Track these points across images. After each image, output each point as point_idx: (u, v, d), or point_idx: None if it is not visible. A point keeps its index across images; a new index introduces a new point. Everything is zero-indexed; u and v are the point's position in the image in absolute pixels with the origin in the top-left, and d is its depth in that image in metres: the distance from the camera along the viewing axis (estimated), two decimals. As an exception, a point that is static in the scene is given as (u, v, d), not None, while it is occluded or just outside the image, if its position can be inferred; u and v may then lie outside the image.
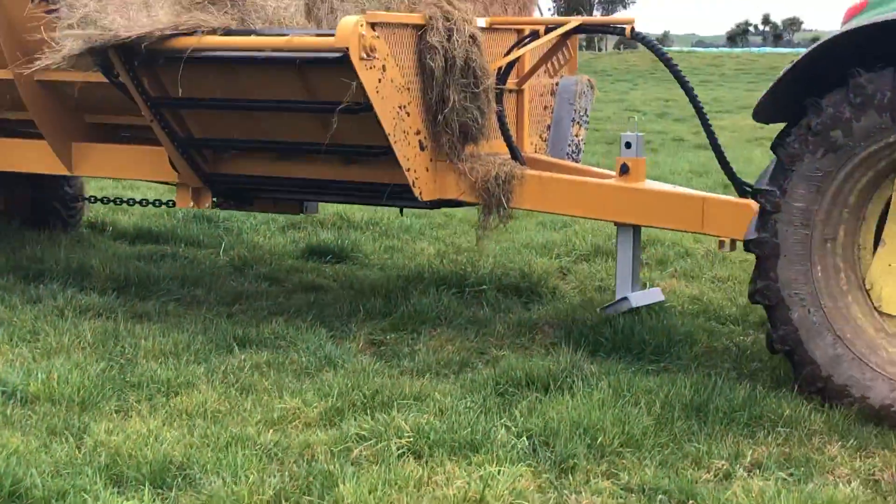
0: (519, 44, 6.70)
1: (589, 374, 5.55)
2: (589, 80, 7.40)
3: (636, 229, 6.34)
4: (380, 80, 5.84)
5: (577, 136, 7.29)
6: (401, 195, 6.43)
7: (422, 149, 6.20)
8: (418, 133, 6.17)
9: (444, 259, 8.59)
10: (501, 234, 8.43)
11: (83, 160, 7.34)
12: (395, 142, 6.01)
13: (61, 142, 7.31)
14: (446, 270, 8.03)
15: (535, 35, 6.66)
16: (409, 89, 6.05)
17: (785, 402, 5.24)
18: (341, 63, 5.74)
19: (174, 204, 7.59)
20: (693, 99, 6.27)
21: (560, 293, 7.64)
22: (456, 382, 5.60)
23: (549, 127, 7.32)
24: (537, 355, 5.97)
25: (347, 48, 5.69)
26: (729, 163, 6.19)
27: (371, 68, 5.78)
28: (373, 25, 5.81)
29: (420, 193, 6.28)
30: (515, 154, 6.50)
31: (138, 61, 6.26)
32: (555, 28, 6.65)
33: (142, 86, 6.44)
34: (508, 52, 6.65)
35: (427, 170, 6.27)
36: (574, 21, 6.64)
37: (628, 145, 6.29)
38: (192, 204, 6.99)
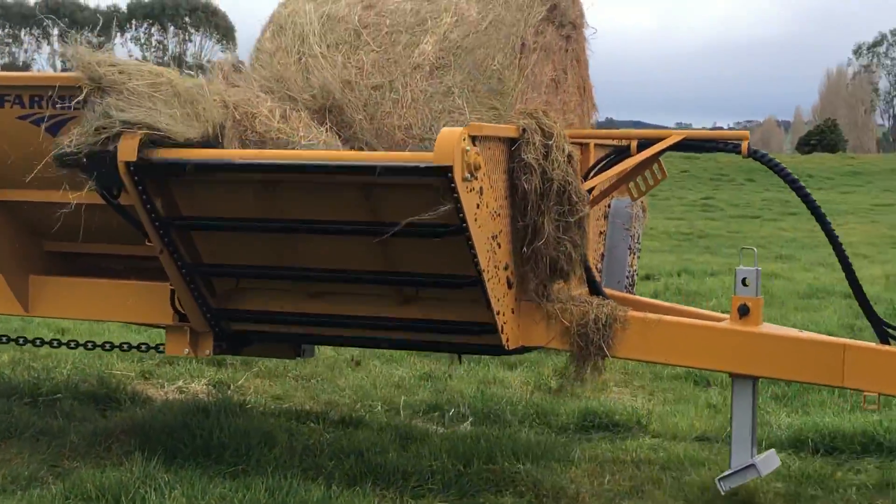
0: (606, 161, 5.80)
1: (163, 483, 5.41)
2: (642, 202, 6.58)
3: (755, 382, 5.45)
4: (478, 206, 4.91)
5: (632, 266, 6.54)
6: (478, 342, 5.46)
7: (509, 287, 5.27)
8: (507, 268, 5.23)
9: (18, 366, 8.19)
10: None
11: (42, 298, 5.97)
12: (489, 278, 5.07)
13: (16, 275, 5.98)
14: (19, 379, 7.66)
15: (623, 151, 5.78)
16: (499, 215, 5.15)
17: (358, 500, 5.32)
18: (429, 180, 4.82)
19: (161, 350, 6.22)
20: (828, 231, 5.46)
21: (140, 398, 7.45)
22: (23, 500, 5.31)
23: (602, 256, 6.56)
24: (111, 466, 5.76)
25: (451, 166, 4.75)
26: (867, 299, 5.43)
27: (471, 190, 4.84)
28: (473, 139, 4.88)
29: (507, 340, 5.31)
30: (597, 290, 5.65)
31: (155, 172, 5.14)
32: (650, 143, 5.72)
33: (152, 205, 5.29)
34: (593, 171, 5.78)
35: (513, 311, 5.33)
36: (676, 135, 5.69)
37: (745, 282, 5.40)
38: (187, 351, 5.78)
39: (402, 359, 8.67)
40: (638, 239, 6.66)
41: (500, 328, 5.24)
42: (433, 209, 4.82)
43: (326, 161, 5.05)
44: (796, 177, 5.53)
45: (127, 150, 5.05)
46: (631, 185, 6.10)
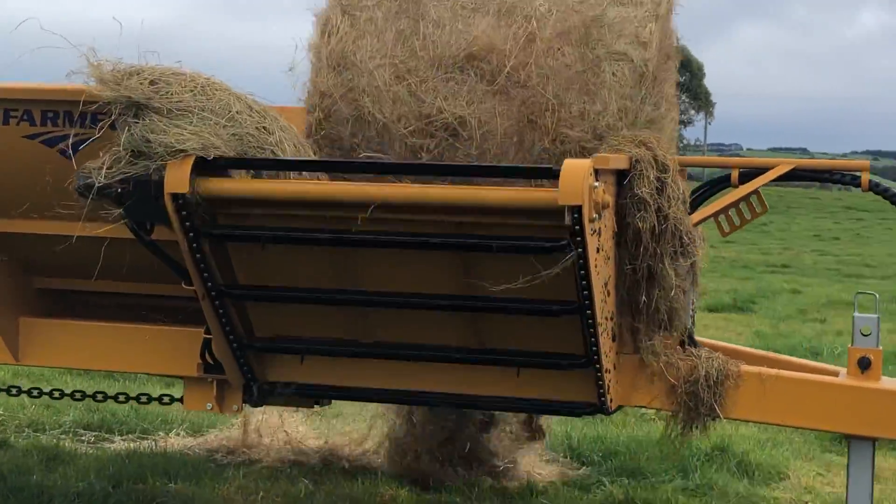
0: (701, 192, 5.19)
1: None
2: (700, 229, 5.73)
3: (874, 443, 4.81)
4: (598, 250, 4.19)
5: (694, 302, 5.68)
6: (575, 403, 4.68)
7: (613, 340, 4.56)
8: (611, 318, 4.53)
9: None
10: None
11: (35, 344, 5.06)
12: (601, 333, 4.32)
13: (3, 317, 5.07)
14: None
15: (722, 181, 5.16)
16: (609, 258, 4.44)
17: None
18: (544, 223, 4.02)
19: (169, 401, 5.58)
20: None
21: None
22: None
23: None
24: None
25: (580, 206, 3.89)
26: None
27: (593, 233, 4.07)
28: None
29: (610, 401, 4.59)
30: (693, 339, 4.94)
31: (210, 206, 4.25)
32: (754, 173, 5.05)
33: (199, 244, 4.34)
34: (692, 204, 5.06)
35: (615, 367, 4.62)
36: (785, 165, 5.04)
37: (866, 332, 4.85)
38: (210, 406, 4.93)
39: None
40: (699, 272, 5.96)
41: (606, 388, 4.51)
42: (551, 263, 4.02)
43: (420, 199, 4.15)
44: None
45: (175, 179, 4.17)
46: (721, 218, 5.32)
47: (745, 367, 4.77)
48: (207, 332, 4.73)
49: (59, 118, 4.49)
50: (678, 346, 4.78)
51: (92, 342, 5.06)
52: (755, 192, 5.15)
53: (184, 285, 4.55)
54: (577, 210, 3.90)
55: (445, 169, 4.44)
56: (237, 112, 4.28)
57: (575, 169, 3.94)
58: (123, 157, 4.21)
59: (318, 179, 4.46)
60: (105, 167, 4.19)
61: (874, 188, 4.98)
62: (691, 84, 65.30)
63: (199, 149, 4.16)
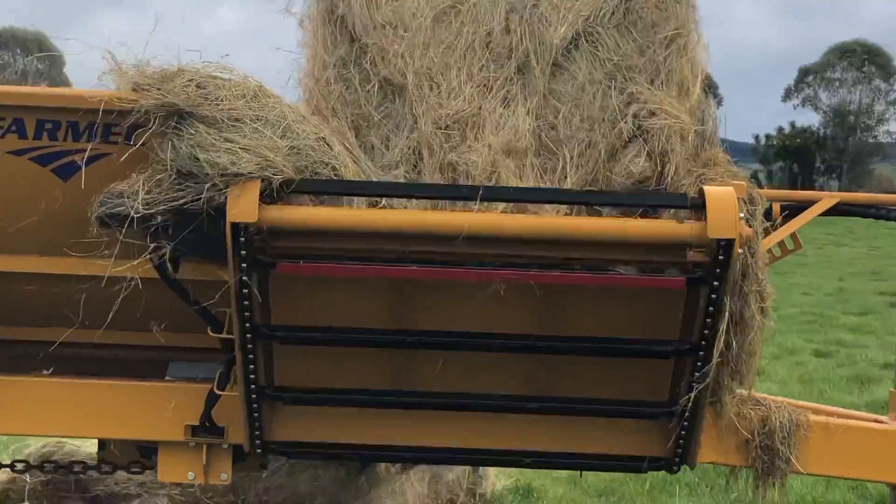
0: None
1: None
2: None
3: None
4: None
5: None
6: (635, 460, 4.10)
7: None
8: None
9: None
10: None
11: None
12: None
13: None
14: None
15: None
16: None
17: None
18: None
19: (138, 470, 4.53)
20: None
21: None
22: None
23: None
24: None
25: (733, 240, 3.41)
26: None
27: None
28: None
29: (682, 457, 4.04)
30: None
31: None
32: (797, 207, 4.60)
33: (250, 289, 3.51)
34: None
35: None
36: (829, 199, 4.63)
37: None
38: (193, 476, 4.11)
39: None
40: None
41: (679, 442, 4.00)
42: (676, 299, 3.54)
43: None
44: None
45: (241, 207, 3.37)
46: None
47: (813, 417, 4.38)
48: (220, 387, 3.92)
49: (58, 130, 3.59)
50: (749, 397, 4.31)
51: (54, 404, 4.12)
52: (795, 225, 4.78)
53: (210, 332, 3.75)
54: (726, 243, 3.42)
55: (571, 196, 3.81)
56: (293, 121, 3.53)
57: (723, 198, 3.45)
58: (167, 180, 3.38)
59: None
60: (143, 192, 3.35)
61: None
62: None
63: (259, 169, 3.39)
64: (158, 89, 3.40)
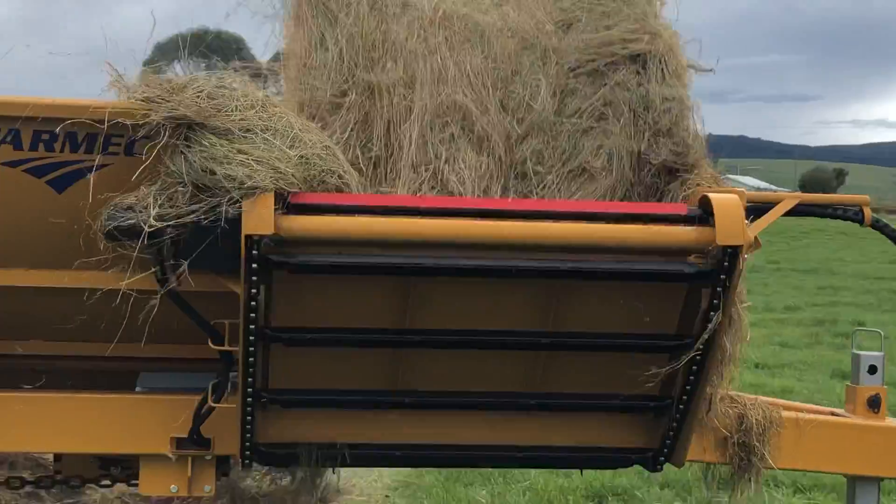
0: None
1: None
2: None
3: (879, 483, 4.62)
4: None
5: None
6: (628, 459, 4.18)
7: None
8: None
9: None
10: None
11: None
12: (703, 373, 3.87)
13: None
14: None
15: None
16: None
17: None
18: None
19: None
20: None
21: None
22: None
23: None
24: None
25: (741, 246, 3.54)
26: None
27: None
28: None
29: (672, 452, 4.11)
30: None
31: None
32: (759, 208, 4.50)
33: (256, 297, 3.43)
34: None
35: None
36: (790, 199, 4.55)
37: (873, 370, 4.61)
38: (177, 489, 4.02)
39: None
40: None
41: (674, 436, 4.09)
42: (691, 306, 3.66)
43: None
44: None
45: (257, 220, 3.32)
46: None
47: (785, 413, 4.49)
48: (216, 398, 3.85)
49: (55, 141, 3.46)
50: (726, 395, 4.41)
51: (24, 418, 3.99)
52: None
53: (211, 343, 3.69)
54: (733, 250, 3.54)
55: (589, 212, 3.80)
56: (300, 131, 3.49)
57: (730, 206, 3.56)
58: (179, 194, 3.31)
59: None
60: (155, 206, 3.27)
61: (875, 224, 4.78)
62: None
63: (273, 181, 3.35)
64: (168, 101, 3.32)
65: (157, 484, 4.11)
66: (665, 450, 4.11)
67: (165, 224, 3.28)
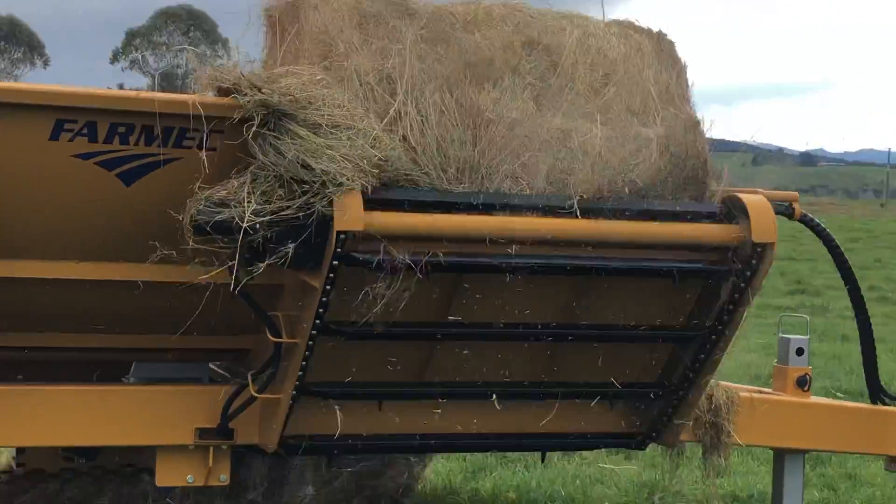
0: None
1: None
2: None
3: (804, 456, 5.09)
4: None
5: None
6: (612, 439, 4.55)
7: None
8: None
9: None
10: None
11: None
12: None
13: None
14: None
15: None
16: None
17: None
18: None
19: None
20: (857, 301, 5.07)
21: None
22: None
23: None
24: None
25: (772, 243, 3.91)
26: (876, 364, 5.12)
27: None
28: None
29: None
30: None
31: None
32: None
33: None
34: None
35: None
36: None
37: (800, 352, 4.95)
38: (193, 479, 4.01)
39: None
40: None
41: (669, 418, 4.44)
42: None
43: None
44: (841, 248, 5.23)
45: (348, 216, 3.41)
46: None
47: (742, 394, 4.85)
48: (260, 390, 3.88)
49: (131, 134, 3.43)
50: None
51: (47, 411, 3.90)
52: None
53: (270, 336, 3.72)
54: (764, 246, 3.91)
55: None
56: (379, 132, 3.58)
57: (762, 206, 3.94)
58: (273, 189, 3.35)
59: None
60: (252, 202, 3.31)
61: (803, 219, 5.09)
62: None
63: (360, 179, 3.45)
64: (261, 90, 3.35)
65: (174, 475, 4.10)
66: (654, 433, 4.41)
67: (261, 220, 3.32)
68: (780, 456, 5.09)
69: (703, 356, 4.16)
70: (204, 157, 3.44)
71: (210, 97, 3.44)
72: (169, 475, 4.09)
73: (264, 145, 3.39)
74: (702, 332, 4.10)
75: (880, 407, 5.20)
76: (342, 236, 3.42)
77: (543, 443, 4.46)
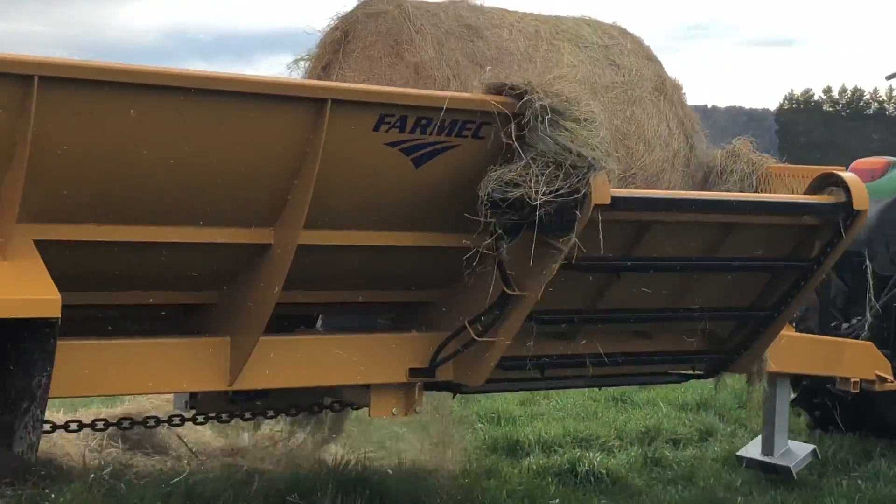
0: None
1: None
2: None
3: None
4: None
5: None
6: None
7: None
8: None
9: None
10: None
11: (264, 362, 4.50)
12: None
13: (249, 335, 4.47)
14: None
15: None
16: None
17: None
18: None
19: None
20: None
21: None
22: None
23: None
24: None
25: (865, 210, 5.42)
26: None
27: None
28: None
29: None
30: None
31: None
32: None
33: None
34: None
35: None
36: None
37: None
38: (396, 411, 4.92)
39: None
40: None
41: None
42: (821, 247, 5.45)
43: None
44: None
45: (601, 192, 4.35)
46: None
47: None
48: (481, 334, 4.71)
49: (430, 126, 4.27)
50: None
51: (312, 356, 4.68)
52: None
53: (506, 289, 4.55)
54: (861, 214, 5.34)
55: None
56: (606, 126, 4.50)
57: (855, 180, 5.51)
58: (552, 171, 4.25)
59: None
60: (542, 183, 4.20)
61: None
62: None
63: (608, 162, 4.39)
64: (545, 93, 4.25)
65: (384, 407, 4.91)
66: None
67: (546, 198, 4.21)
68: (773, 380, 6.38)
69: (802, 283, 5.44)
70: (504, 140, 4.35)
71: (489, 96, 4.31)
72: (381, 408, 4.89)
73: (544, 137, 4.27)
74: (808, 262, 5.38)
75: (832, 338, 6.85)
76: (599, 207, 4.35)
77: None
